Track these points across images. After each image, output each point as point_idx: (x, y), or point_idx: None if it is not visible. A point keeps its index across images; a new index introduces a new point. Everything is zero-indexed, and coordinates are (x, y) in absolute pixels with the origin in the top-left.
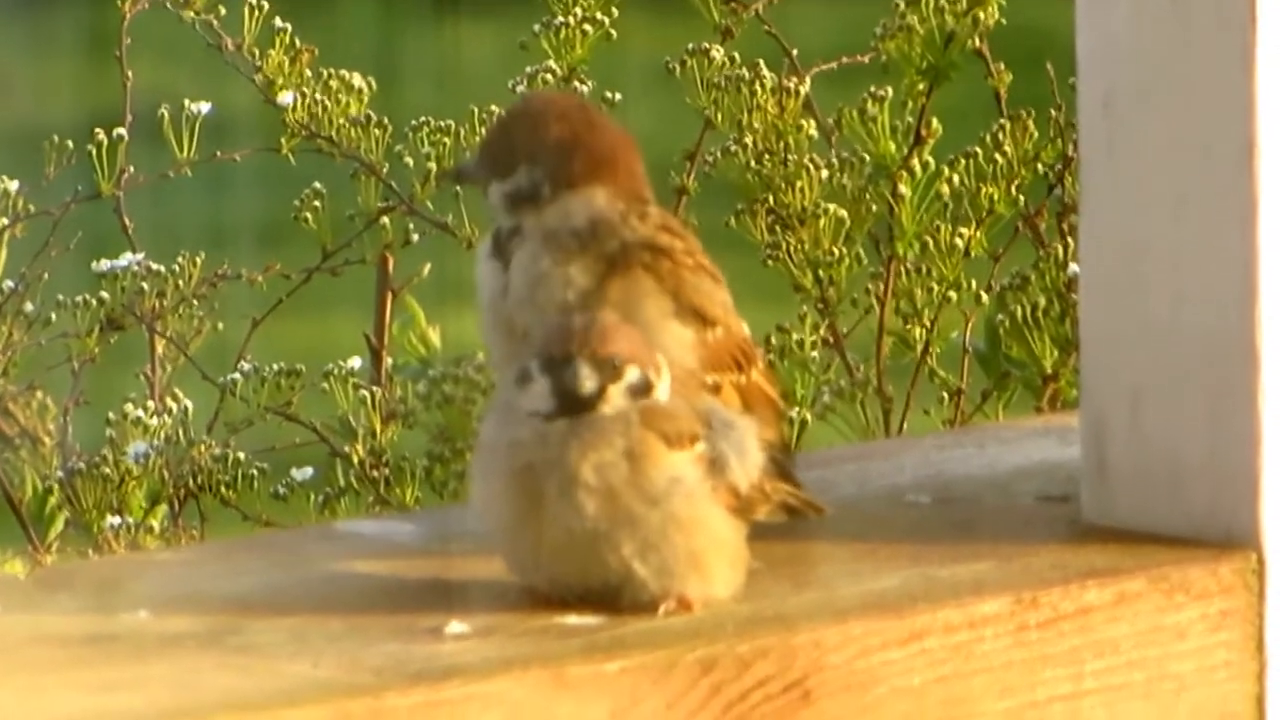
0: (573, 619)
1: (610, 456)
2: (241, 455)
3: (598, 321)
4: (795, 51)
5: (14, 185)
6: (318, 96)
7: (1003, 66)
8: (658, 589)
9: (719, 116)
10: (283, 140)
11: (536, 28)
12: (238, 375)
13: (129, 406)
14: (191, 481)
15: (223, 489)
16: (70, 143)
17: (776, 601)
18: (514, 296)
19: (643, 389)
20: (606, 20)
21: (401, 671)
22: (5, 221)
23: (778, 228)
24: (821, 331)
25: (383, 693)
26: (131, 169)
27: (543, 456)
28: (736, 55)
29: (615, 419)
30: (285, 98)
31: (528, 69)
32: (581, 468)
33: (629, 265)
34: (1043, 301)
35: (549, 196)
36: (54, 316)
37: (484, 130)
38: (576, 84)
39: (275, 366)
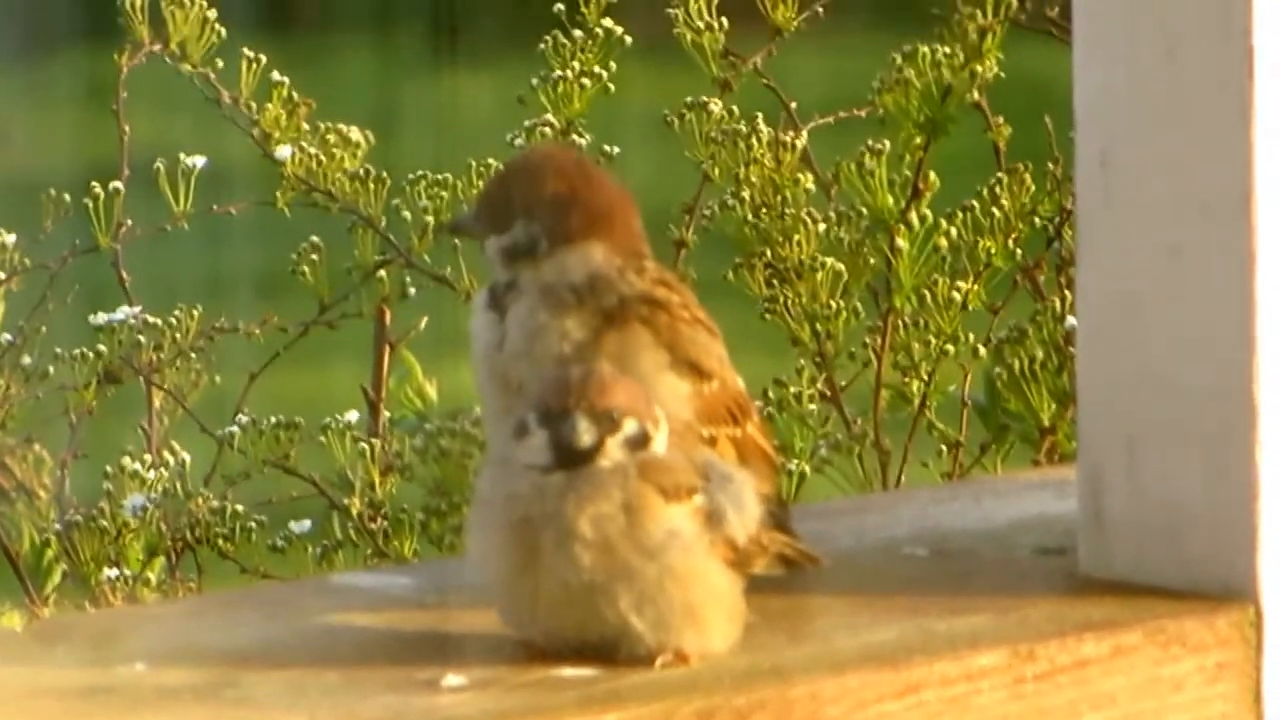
0: (569, 671)
1: (608, 509)
2: (239, 508)
3: (595, 373)
4: (794, 104)
5: (11, 238)
6: (314, 150)
7: (1001, 120)
8: (654, 642)
9: (716, 170)
10: (279, 194)
11: (535, 81)
12: (235, 428)
13: (126, 459)
14: (189, 534)
15: (220, 541)
16: (67, 195)
17: (773, 654)
18: (510, 349)
19: (640, 441)
20: (605, 74)
21: None
22: (3, 275)
23: (775, 281)
24: (819, 385)
25: None
26: (129, 222)
27: (540, 509)
28: (735, 109)
29: (613, 472)
30: (282, 151)
31: (526, 122)
32: (579, 521)
33: (626, 319)
34: (1040, 355)
35: (546, 251)
36: (51, 369)
37: (482, 183)
38: (574, 137)
39: (273, 419)
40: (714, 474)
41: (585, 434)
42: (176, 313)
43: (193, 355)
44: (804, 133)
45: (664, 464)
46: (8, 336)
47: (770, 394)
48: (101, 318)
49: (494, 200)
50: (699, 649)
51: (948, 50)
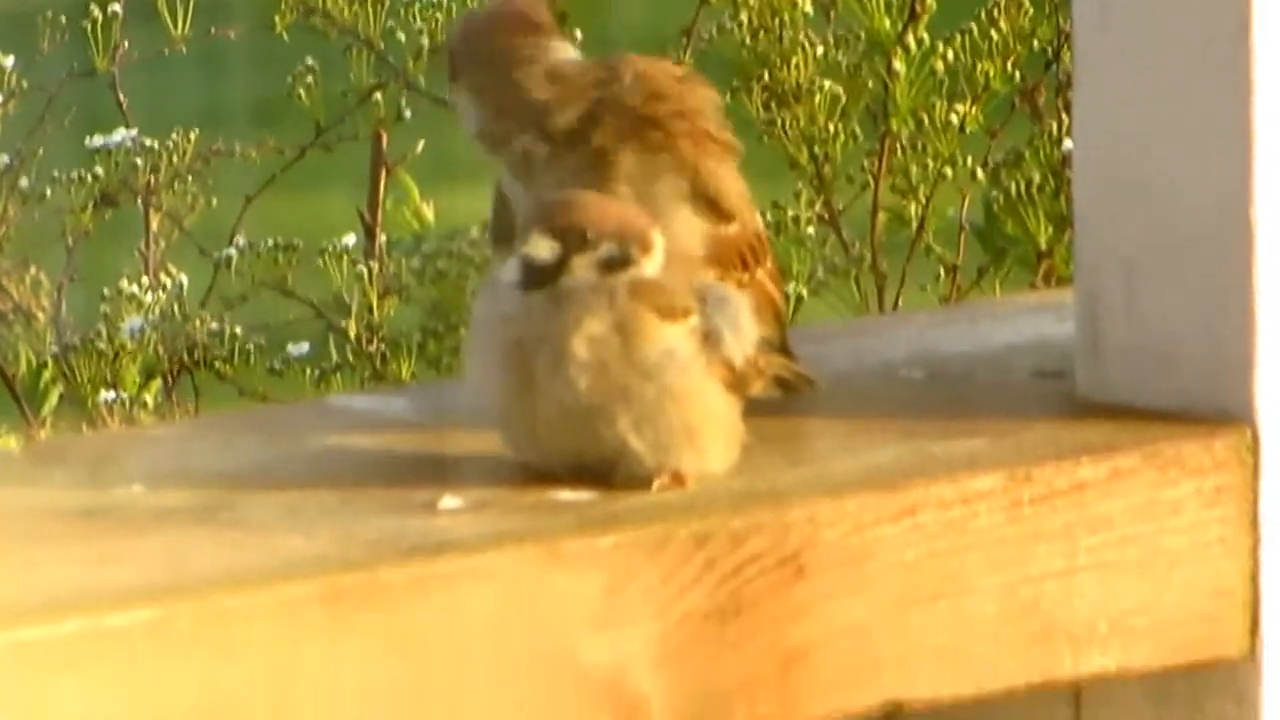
0: (566, 494)
1: (600, 330)
2: (237, 330)
3: (572, 195)
4: None
5: (9, 61)
6: None
7: None
8: (653, 463)
9: None
10: (277, 18)
11: None
12: (233, 251)
13: (124, 282)
14: (186, 356)
15: (218, 364)
16: (64, 19)
17: (770, 477)
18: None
19: (619, 263)
20: None
21: (395, 546)
22: (0, 97)
23: (773, 104)
24: (817, 208)
25: (376, 567)
26: (126, 45)
27: (529, 331)
28: None
29: (601, 291)
30: None
31: None
32: (572, 342)
33: (646, 140)
34: (1038, 178)
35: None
36: (49, 192)
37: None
38: None
39: (270, 242)
40: (710, 296)
41: (543, 250)
42: (174, 136)
43: (189, 178)
44: None
45: (657, 285)
46: (4, 159)
47: (768, 217)
48: (99, 140)
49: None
50: (697, 470)
51: None
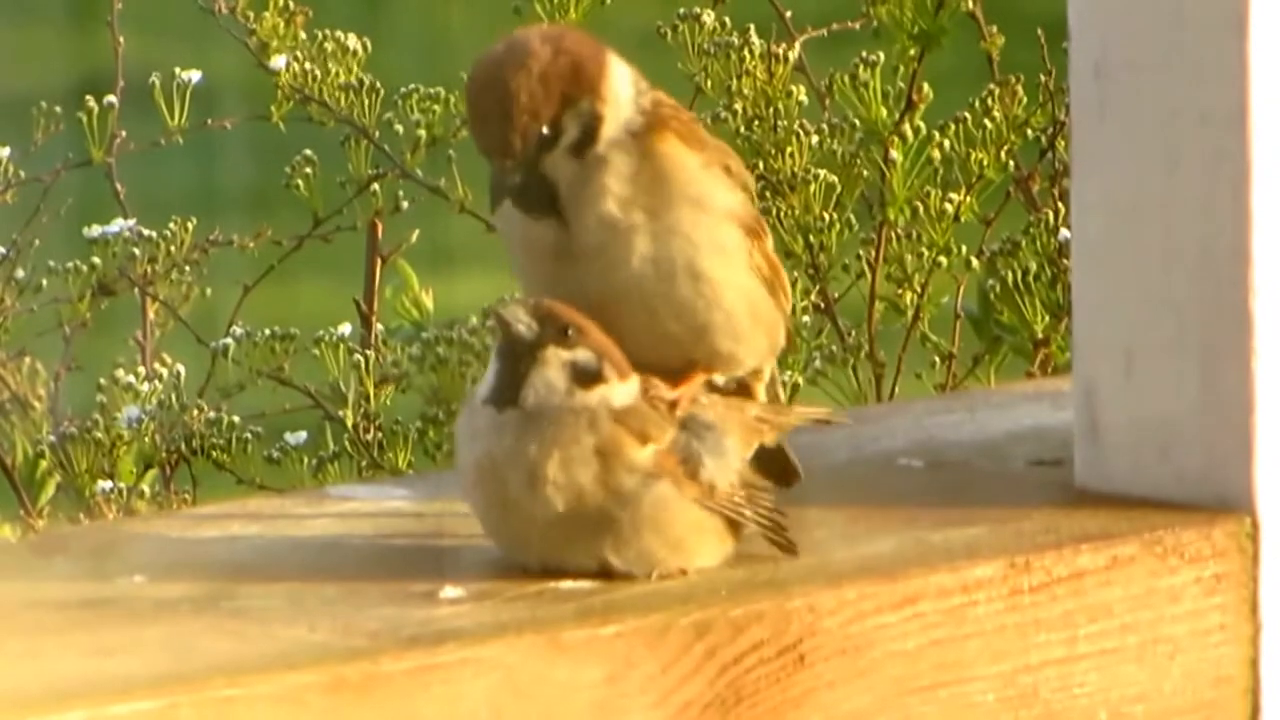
0: (566, 584)
1: (577, 452)
2: (235, 419)
3: (566, 306)
4: (789, 14)
5: (4, 152)
6: (308, 65)
7: (995, 30)
8: (641, 573)
9: (709, 82)
10: (274, 108)
11: None
12: (230, 340)
13: (120, 371)
14: (184, 445)
15: (215, 452)
16: (59, 109)
17: (770, 566)
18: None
19: (590, 376)
20: None
21: (396, 636)
22: None
23: (769, 193)
24: (813, 297)
25: (378, 657)
26: (123, 135)
27: (499, 445)
28: (728, 20)
29: (580, 413)
30: (278, 62)
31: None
32: (546, 464)
33: (662, 128)
34: (1034, 266)
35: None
36: (45, 282)
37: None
38: None
39: (267, 331)
40: (692, 424)
41: (521, 323)
42: (171, 225)
43: (187, 268)
44: (797, 44)
45: (637, 410)
46: (1, 249)
47: None
48: (96, 230)
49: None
50: (691, 567)
51: None
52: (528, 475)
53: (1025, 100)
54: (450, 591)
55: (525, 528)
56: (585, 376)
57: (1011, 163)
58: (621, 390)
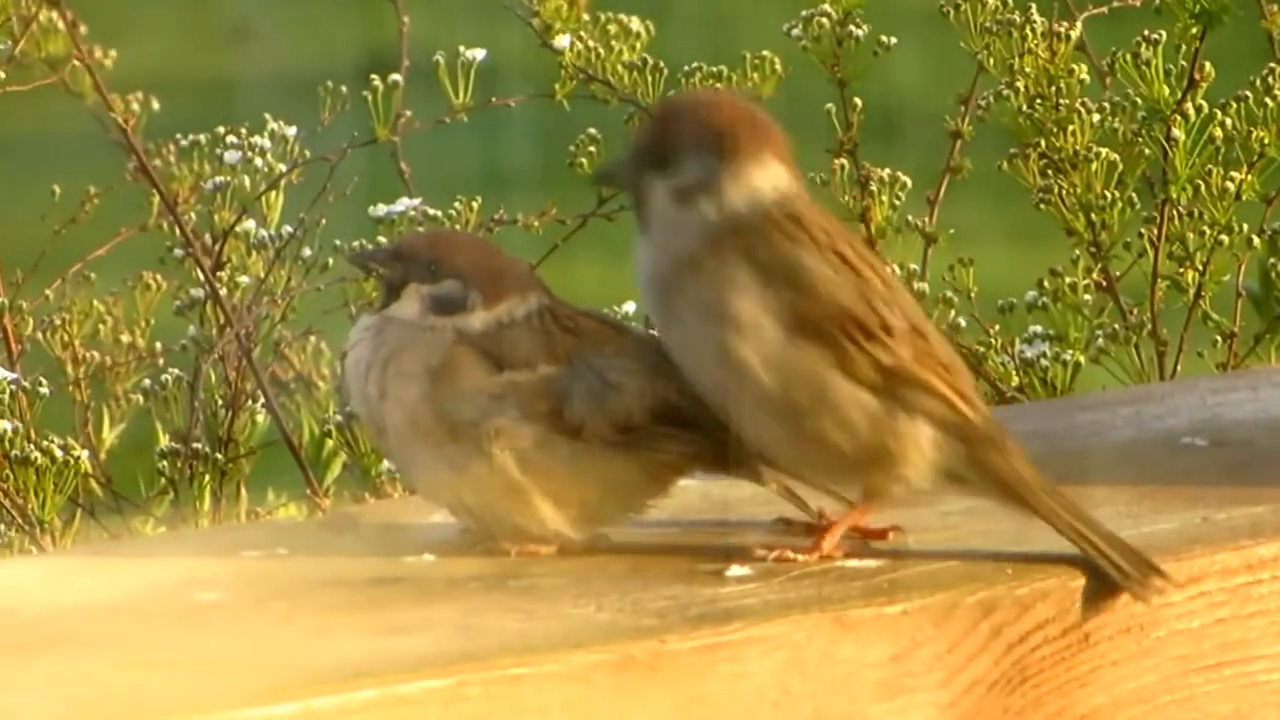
0: (852, 562)
1: (410, 367)
2: None
3: (446, 231)
4: None
5: (291, 131)
6: (591, 44)
7: (1277, 9)
8: (493, 523)
9: (991, 61)
10: (557, 86)
11: None
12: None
13: None
14: None
15: None
16: (345, 88)
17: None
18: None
19: (451, 305)
20: None
21: (684, 614)
22: (283, 168)
23: (1050, 172)
24: (1094, 275)
25: (665, 635)
26: (408, 113)
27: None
28: None
29: (425, 331)
30: (561, 41)
31: (803, 12)
32: (383, 372)
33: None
34: None
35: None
36: (331, 262)
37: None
38: (851, 28)
39: None
40: (582, 362)
41: (383, 268)
42: (456, 204)
43: None
44: (1078, 22)
45: (508, 336)
46: (288, 229)
47: (1045, 284)
48: (381, 209)
49: (656, 142)
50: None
51: None
52: (374, 382)
53: None
54: (737, 570)
55: (379, 438)
56: (445, 305)
57: None
58: (485, 316)
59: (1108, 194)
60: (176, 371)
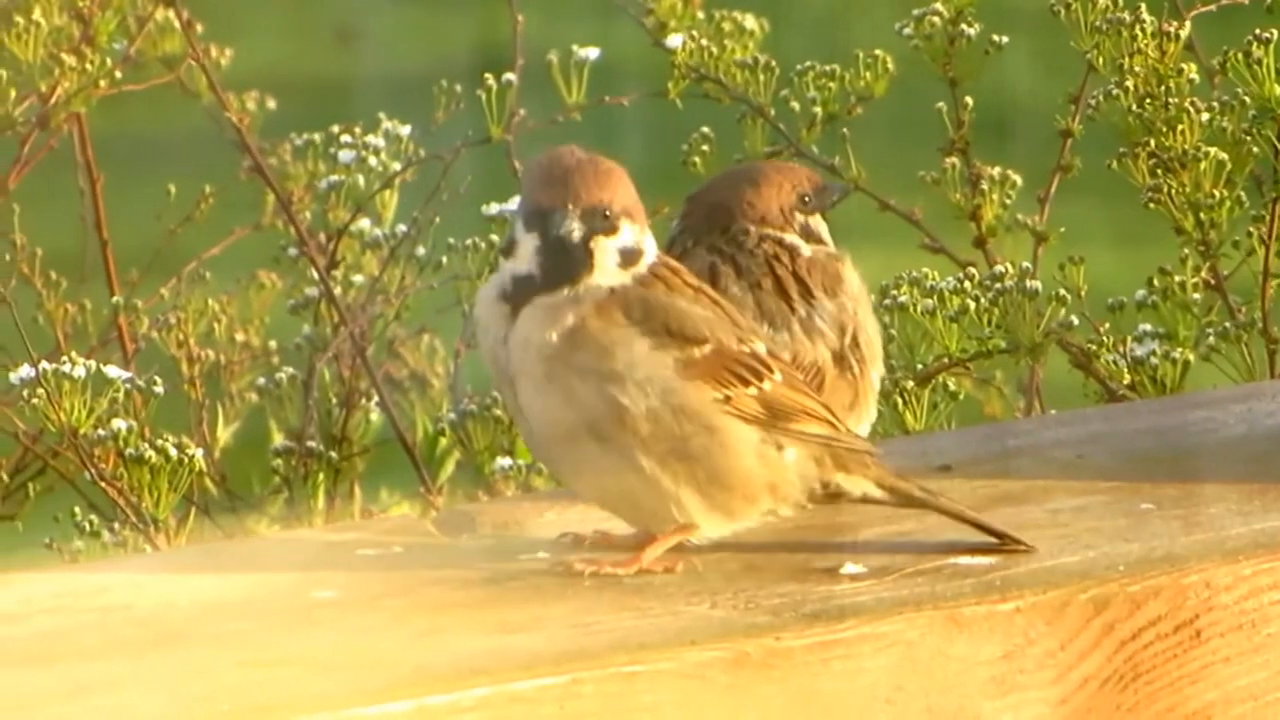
0: (964, 559)
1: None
2: None
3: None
4: None
5: (405, 130)
6: (704, 43)
7: None
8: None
9: (1101, 60)
10: (670, 85)
11: None
12: None
13: None
14: None
15: None
16: (459, 87)
17: (1167, 542)
18: None
19: (634, 255)
20: None
21: (798, 611)
22: (397, 166)
23: (1159, 171)
24: (1203, 274)
25: (780, 633)
26: (522, 112)
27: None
28: None
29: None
30: (674, 40)
31: (915, 11)
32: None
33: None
34: None
35: None
36: (444, 260)
37: (867, 75)
38: (963, 26)
39: None
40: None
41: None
42: None
43: None
44: (1187, 22)
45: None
46: (402, 227)
47: (1155, 282)
48: (495, 208)
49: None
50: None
51: None
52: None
53: None
54: (851, 567)
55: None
56: (628, 257)
57: None
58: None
59: (1216, 193)
60: (291, 370)
